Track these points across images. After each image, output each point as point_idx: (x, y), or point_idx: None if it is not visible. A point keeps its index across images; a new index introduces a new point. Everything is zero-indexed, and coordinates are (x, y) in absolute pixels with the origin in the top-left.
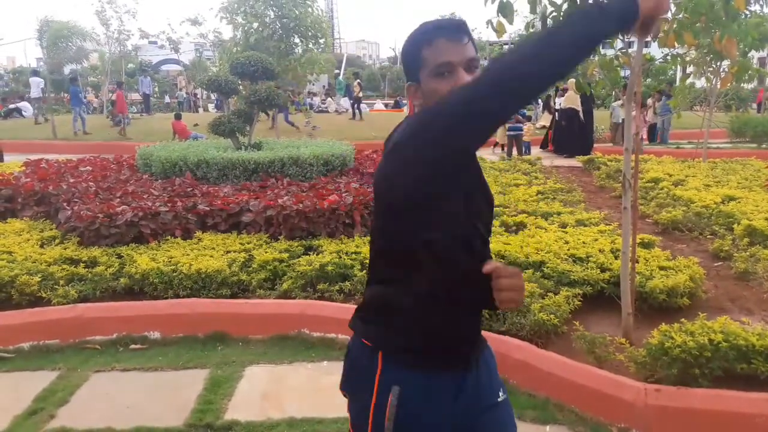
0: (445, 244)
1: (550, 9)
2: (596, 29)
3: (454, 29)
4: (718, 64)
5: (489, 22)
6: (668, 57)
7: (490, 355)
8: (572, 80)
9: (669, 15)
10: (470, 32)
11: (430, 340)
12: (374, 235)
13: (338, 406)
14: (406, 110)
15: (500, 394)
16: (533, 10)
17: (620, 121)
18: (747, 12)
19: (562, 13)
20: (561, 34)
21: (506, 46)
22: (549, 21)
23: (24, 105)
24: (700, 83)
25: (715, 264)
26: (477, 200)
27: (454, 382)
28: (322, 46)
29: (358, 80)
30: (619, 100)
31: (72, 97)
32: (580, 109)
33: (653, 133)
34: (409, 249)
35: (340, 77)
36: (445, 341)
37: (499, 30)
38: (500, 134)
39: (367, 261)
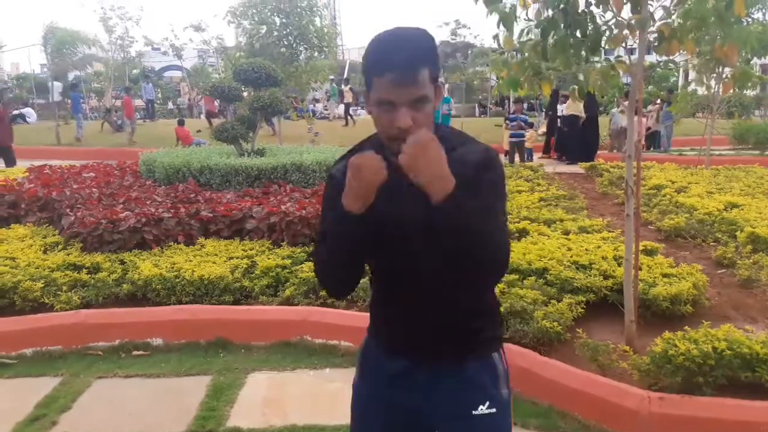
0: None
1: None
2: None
3: (402, 70)
4: (720, 70)
5: (495, 37)
6: (670, 64)
7: (478, 369)
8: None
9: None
10: (430, 58)
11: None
12: None
13: (340, 414)
14: None
15: (481, 407)
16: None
17: (619, 127)
18: (749, 19)
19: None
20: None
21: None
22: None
23: (28, 111)
24: (702, 90)
25: (719, 271)
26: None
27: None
28: (326, 53)
29: (350, 86)
30: (619, 106)
31: (73, 103)
32: (582, 116)
33: (654, 141)
34: None
35: (334, 84)
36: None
37: (506, 45)
38: (504, 141)
39: (368, 266)
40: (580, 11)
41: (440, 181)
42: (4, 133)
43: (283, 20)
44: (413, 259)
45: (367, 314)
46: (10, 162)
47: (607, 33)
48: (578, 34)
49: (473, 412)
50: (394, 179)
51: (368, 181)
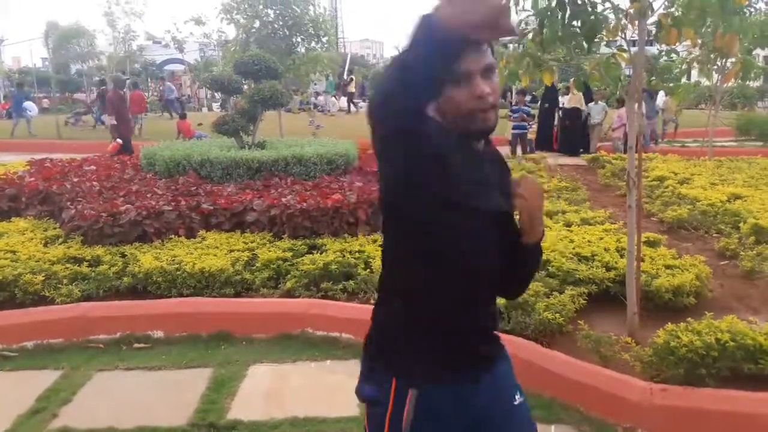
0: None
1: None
2: None
3: None
4: (723, 61)
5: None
6: (672, 54)
7: (504, 363)
8: (573, 79)
9: (667, 9)
10: None
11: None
12: None
13: (341, 406)
14: None
15: (516, 397)
16: (535, 6)
17: (596, 122)
18: (752, 9)
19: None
20: None
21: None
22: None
23: (29, 105)
24: (702, 80)
25: (722, 263)
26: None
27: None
28: (325, 45)
29: (351, 76)
30: (598, 102)
31: (14, 103)
32: (584, 108)
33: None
34: None
35: (330, 77)
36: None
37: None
38: (507, 132)
39: (370, 259)
40: (579, 1)
41: (539, 227)
42: (125, 127)
43: (277, 12)
44: (483, 252)
45: (370, 307)
46: (128, 150)
47: (607, 22)
48: (576, 23)
49: (514, 403)
50: (480, 164)
51: (534, 205)
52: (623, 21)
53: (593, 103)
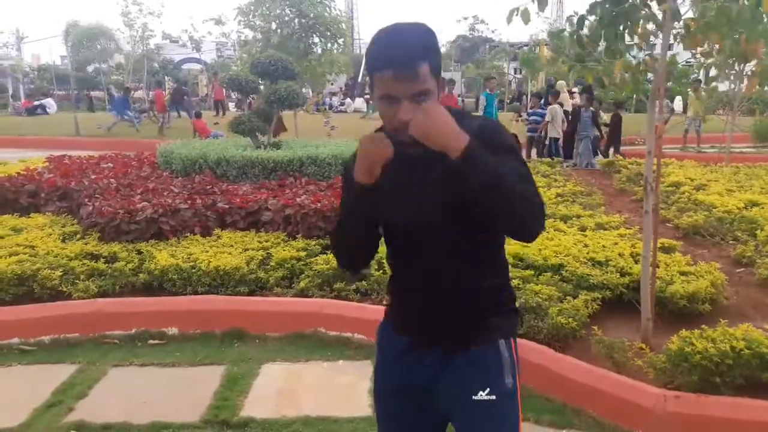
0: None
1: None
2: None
3: (401, 65)
4: (742, 66)
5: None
6: (699, 59)
7: (482, 355)
8: (562, 82)
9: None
10: (430, 53)
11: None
12: None
13: (354, 406)
14: None
15: (481, 393)
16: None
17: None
18: None
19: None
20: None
21: (525, 47)
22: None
23: (48, 102)
24: (719, 86)
25: (737, 270)
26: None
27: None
28: (341, 46)
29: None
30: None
31: (116, 104)
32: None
33: (553, 148)
34: None
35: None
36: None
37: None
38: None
39: (384, 261)
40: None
41: (454, 137)
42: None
43: (295, 12)
44: (424, 239)
45: (381, 308)
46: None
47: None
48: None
49: (473, 397)
50: (406, 166)
51: (376, 155)
52: (652, 26)
53: (557, 105)
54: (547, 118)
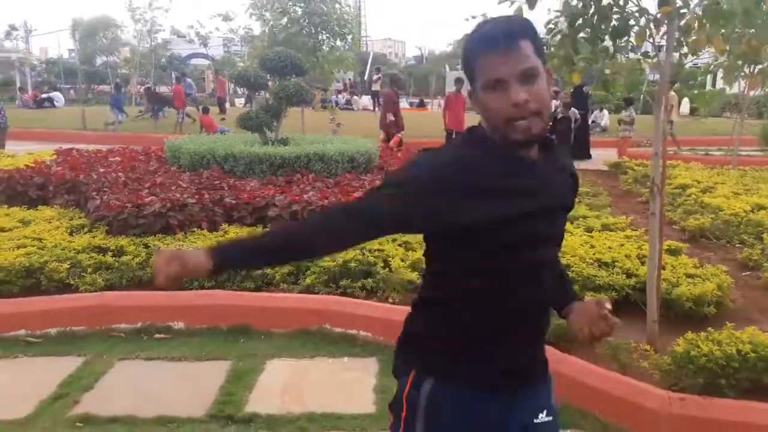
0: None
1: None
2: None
3: (505, 41)
4: (751, 68)
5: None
6: (713, 63)
7: (545, 381)
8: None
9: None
10: (530, 33)
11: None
12: None
13: (358, 403)
14: (430, 110)
15: (541, 416)
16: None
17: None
18: None
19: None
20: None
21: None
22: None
23: (56, 95)
24: (726, 87)
25: (744, 273)
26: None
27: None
28: (349, 43)
29: (379, 75)
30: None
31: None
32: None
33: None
34: None
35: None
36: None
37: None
38: None
39: (389, 258)
40: (605, 3)
41: (195, 260)
42: (400, 122)
43: (305, 8)
44: (546, 259)
45: (388, 305)
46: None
47: (633, 25)
48: (603, 26)
49: (534, 420)
50: (530, 171)
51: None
52: (650, 26)
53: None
54: None
